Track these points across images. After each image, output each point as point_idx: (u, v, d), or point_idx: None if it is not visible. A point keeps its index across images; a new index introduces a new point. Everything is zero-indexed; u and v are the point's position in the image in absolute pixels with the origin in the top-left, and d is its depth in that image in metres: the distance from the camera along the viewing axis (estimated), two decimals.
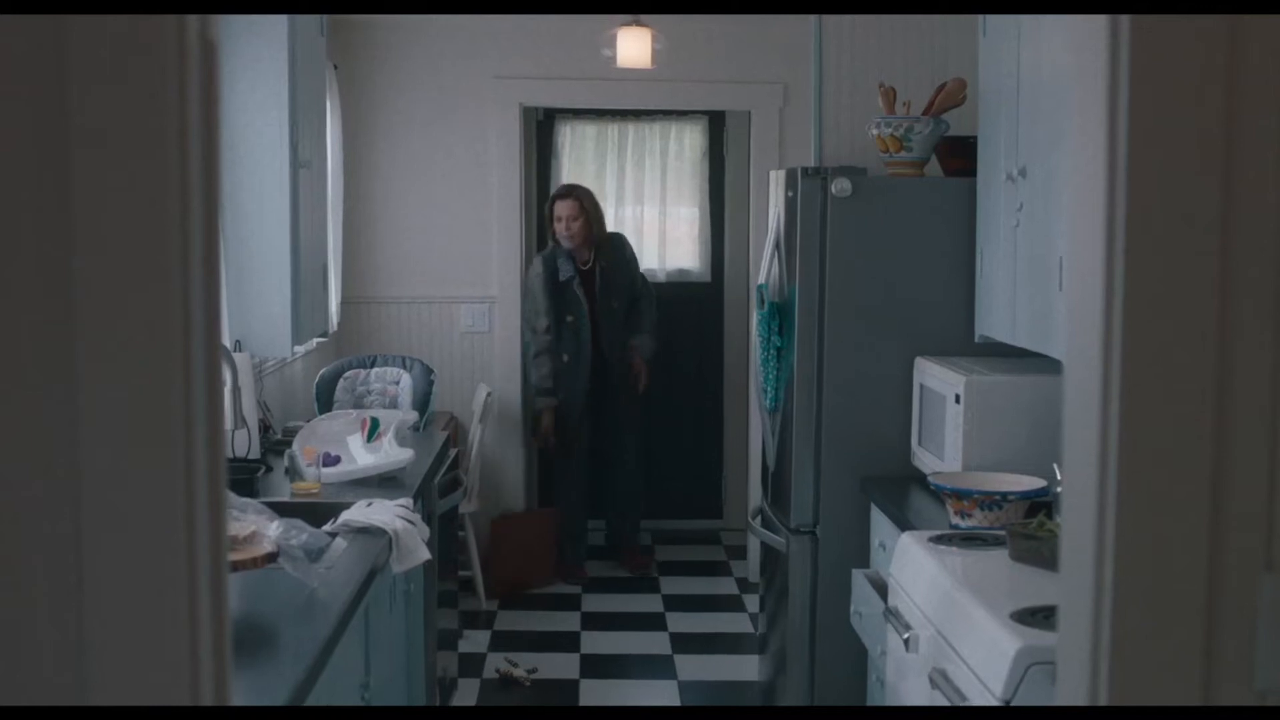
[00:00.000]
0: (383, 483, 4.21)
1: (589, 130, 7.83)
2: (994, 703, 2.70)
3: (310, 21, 4.81)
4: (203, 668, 1.33)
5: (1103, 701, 1.51)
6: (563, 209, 6.69)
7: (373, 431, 4.54)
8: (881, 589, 3.73)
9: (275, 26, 4.48)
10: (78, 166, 1.27)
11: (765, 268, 4.87)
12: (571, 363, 6.73)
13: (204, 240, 1.32)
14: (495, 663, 5.75)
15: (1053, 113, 3.62)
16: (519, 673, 5.59)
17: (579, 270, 6.73)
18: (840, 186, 4.43)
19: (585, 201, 6.76)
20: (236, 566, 2.85)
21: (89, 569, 1.30)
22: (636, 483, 7.22)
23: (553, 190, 7.05)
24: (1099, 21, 1.47)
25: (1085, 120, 1.52)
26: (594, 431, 6.98)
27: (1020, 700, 2.65)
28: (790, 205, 4.60)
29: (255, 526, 3.03)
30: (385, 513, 3.70)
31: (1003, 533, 3.39)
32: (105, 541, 1.30)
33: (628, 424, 7.09)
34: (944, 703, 2.92)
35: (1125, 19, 1.44)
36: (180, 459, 1.30)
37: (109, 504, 1.30)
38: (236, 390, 3.83)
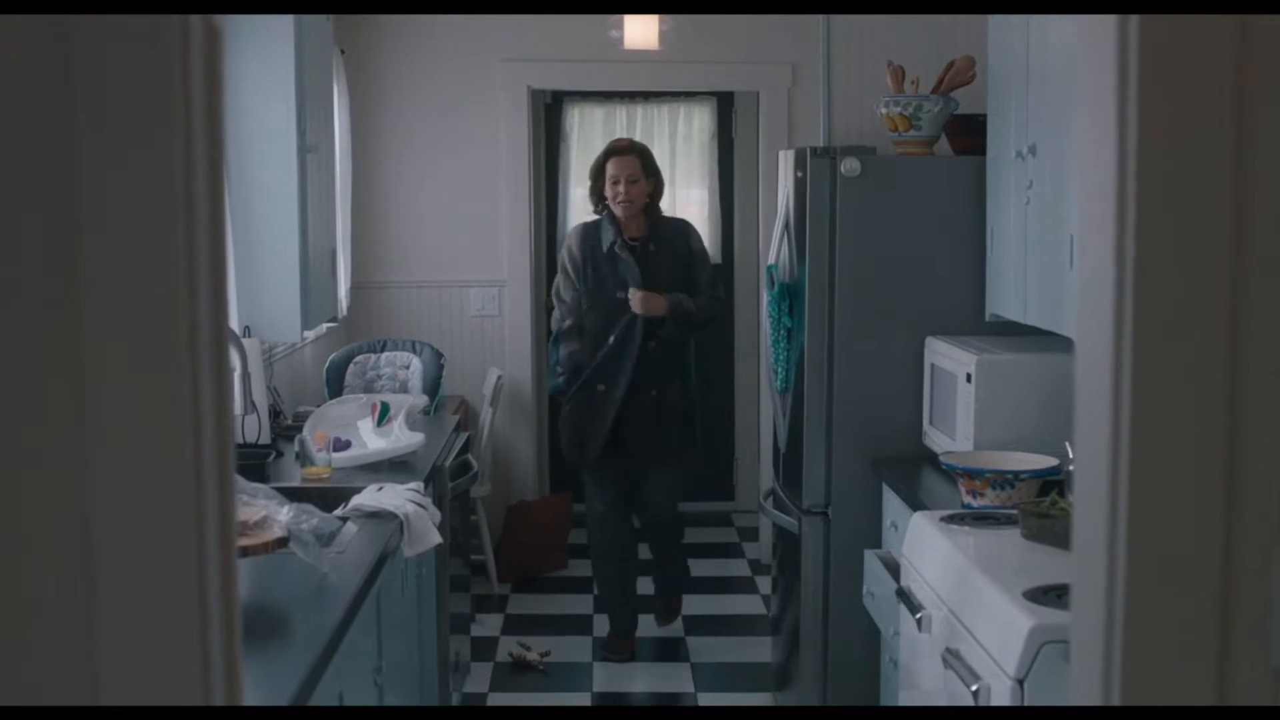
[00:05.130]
0: (393, 467, 4.21)
1: (597, 113, 7.81)
2: (1007, 682, 2.69)
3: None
4: (213, 653, 1.33)
5: (1116, 680, 1.50)
6: (620, 167, 5.45)
7: (383, 416, 4.54)
8: (894, 569, 3.72)
9: None
10: (82, 152, 1.26)
11: (775, 248, 4.86)
12: (617, 346, 5.44)
13: (210, 225, 1.31)
14: (508, 646, 5.76)
15: (1062, 90, 3.60)
16: (532, 656, 5.59)
17: (625, 242, 5.49)
18: (849, 166, 4.42)
19: (647, 162, 5.55)
20: (247, 551, 2.85)
21: (98, 556, 1.30)
22: (669, 513, 5.80)
23: (604, 152, 5.63)
24: (1108, 19, 1.47)
25: (1095, 99, 1.51)
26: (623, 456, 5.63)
27: (1033, 679, 2.64)
28: (799, 185, 4.58)
29: (266, 511, 3.03)
30: (396, 497, 3.70)
31: (1015, 512, 3.38)
32: (113, 528, 1.30)
33: (660, 454, 5.63)
34: (957, 682, 2.92)
35: (1134, 16, 1.44)
36: (188, 445, 1.30)
37: (116, 491, 1.29)
38: (246, 376, 3.83)
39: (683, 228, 5.71)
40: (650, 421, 5.49)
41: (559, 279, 5.66)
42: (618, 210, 5.46)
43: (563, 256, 5.65)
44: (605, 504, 5.65)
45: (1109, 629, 1.51)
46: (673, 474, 5.68)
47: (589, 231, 5.59)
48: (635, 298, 5.37)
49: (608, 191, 5.48)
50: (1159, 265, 1.46)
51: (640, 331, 5.41)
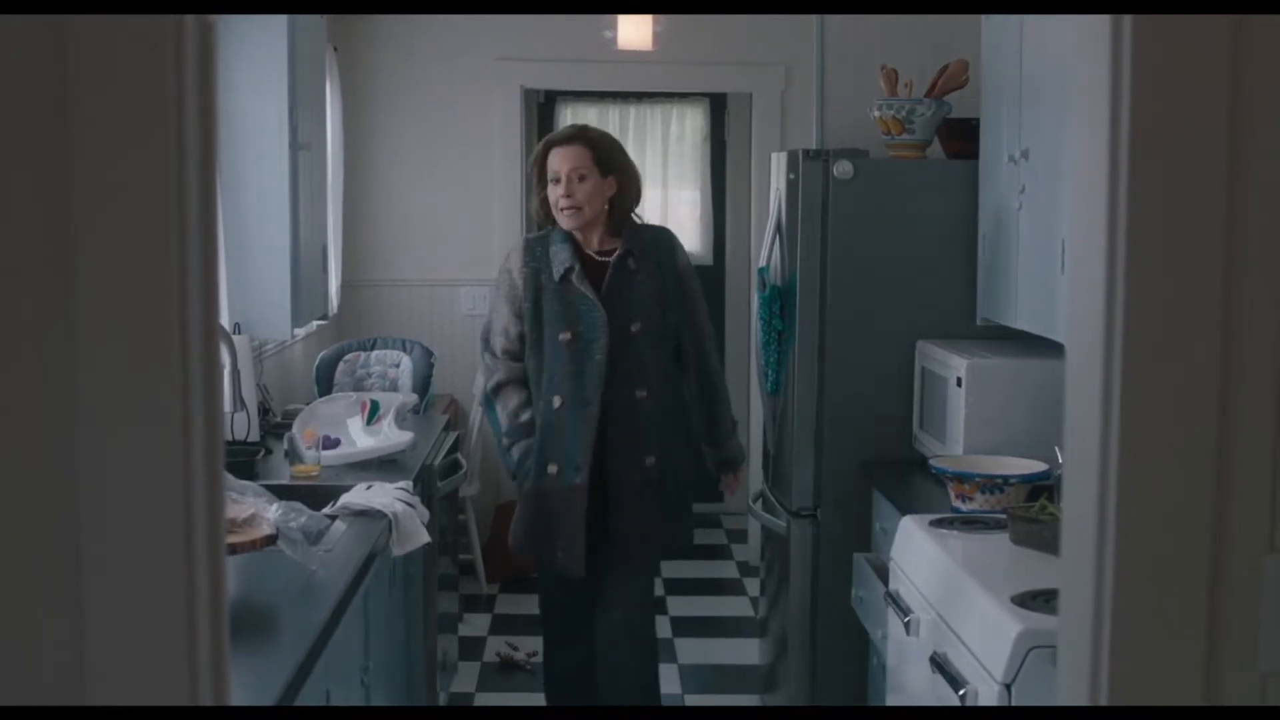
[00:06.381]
0: (382, 465, 4.21)
1: (590, 113, 7.81)
2: (995, 686, 2.69)
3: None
4: (201, 651, 1.33)
5: (1104, 685, 1.50)
6: (561, 160, 4.06)
7: (372, 414, 4.53)
8: (882, 572, 3.72)
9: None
10: (74, 148, 1.26)
11: (766, 251, 4.85)
12: (568, 410, 4.02)
13: (201, 222, 1.31)
14: (496, 646, 5.75)
15: (1056, 95, 3.60)
16: (519, 656, 5.59)
17: (585, 260, 4.10)
18: (842, 169, 4.42)
19: (603, 150, 4.11)
20: (236, 549, 2.85)
21: (87, 553, 1.29)
22: (643, 625, 4.31)
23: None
24: (1102, 19, 1.47)
25: (1088, 107, 1.51)
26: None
27: (1021, 684, 2.64)
28: (791, 188, 4.58)
29: (254, 509, 3.03)
30: (385, 495, 3.69)
31: (1004, 516, 3.38)
32: (102, 525, 1.29)
33: (646, 550, 4.21)
34: (944, 686, 2.92)
35: (1127, 16, 1.44)
36: (178, 442, 1.29)
37: (106, 487, 1.29)
38: (236, 373, 3.82)
39: (666, 239, 4.22)
40: (638, 504, 4.08)
41: (490, 317, 4.21)
42: (562, 220, 4.06)
43: (499, 285, 4.19)
44: (565, 608, 4.30)
45: (1097, 634, 1.51)
46: (648, 573, 4.31)
47: (533, 250, 4.13)
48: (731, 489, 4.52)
49: (549, 195, 4.08)
50: (1150, 270, 1.46)
51: (597, 395, 3.99)
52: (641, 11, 6.31)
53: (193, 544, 1.31)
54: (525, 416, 4.10)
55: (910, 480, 4.18)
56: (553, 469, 4.04)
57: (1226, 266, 1.46)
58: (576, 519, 4.02)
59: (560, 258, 4.05)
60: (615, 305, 4.03)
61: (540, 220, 4.18)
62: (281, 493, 3.38)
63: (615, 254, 4.08)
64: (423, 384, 5.55)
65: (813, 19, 5.25)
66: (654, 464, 4.08)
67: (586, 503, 4.01)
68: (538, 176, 4.13)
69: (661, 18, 6.39)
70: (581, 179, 4.04)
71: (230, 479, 3.19)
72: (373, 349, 5.66)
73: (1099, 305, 1.49)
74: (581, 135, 4.10)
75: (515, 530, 4.18)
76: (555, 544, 4.07)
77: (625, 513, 4.06)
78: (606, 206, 4.10)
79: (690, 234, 7.96)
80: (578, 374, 4.00)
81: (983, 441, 3.92)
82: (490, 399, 4.18)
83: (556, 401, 4.02)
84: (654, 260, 4.11)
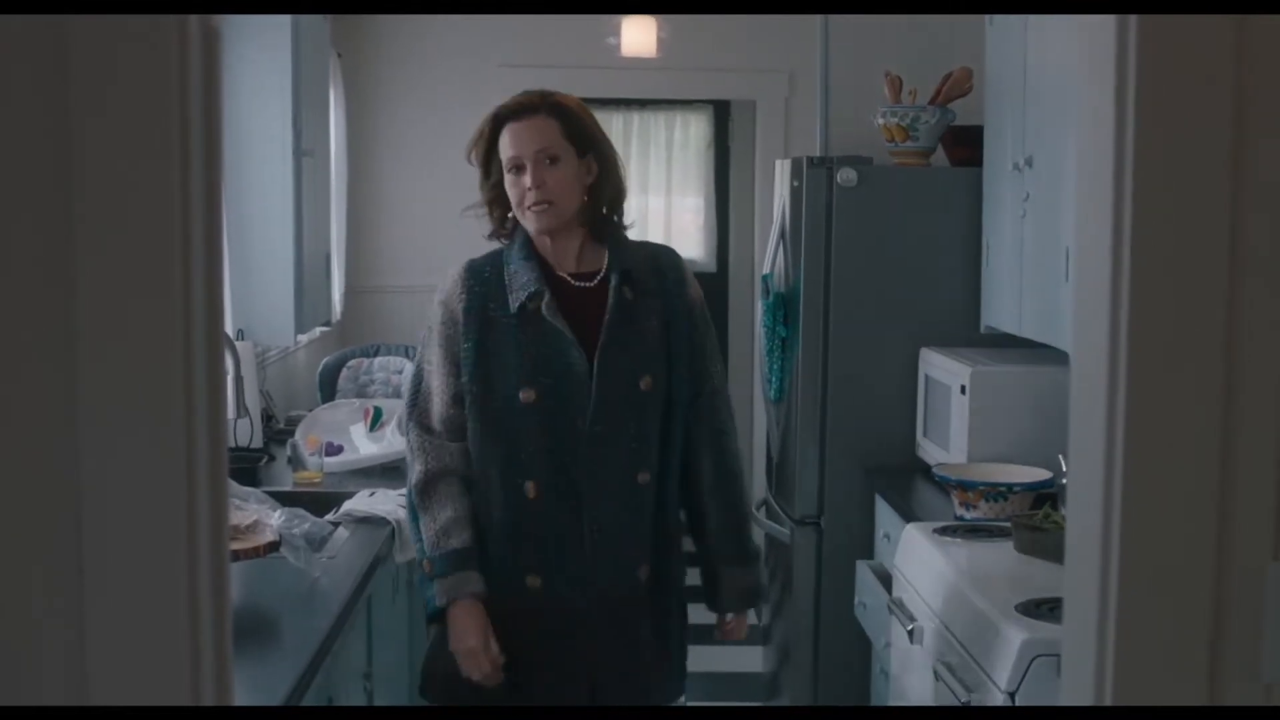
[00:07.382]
0: (385, 472, 4.20)
1: None
2: (998, 695, 2.69)
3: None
4: (204, 656, 1.33)
5: (1108, 693, 1.50)
6: (522, 139, 2.87)
7: (375, 421, 4.53)
8: (886, 580, 3.72)
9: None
10: (78, 154, 1.25)
11: (770, 258, 4.85)
12: (549, 502, 2.84)
13: (205, 228, 1.31)
14: None
15: (1060, 102, 3.60)
16: None
17: (562, 286, 2.91)
18: (845, 176, 4.42)
19: (575, 122, 2.92)
20: (239, 555, 2.85)
21: (89, 558, 1.29)
22: None
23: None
24: (1107, 19, 1.46)
25: (1092, 111, 1.51)
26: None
27: (1025, 692, 2.64)
28: (795, 195, 4.58)
29: (257, 515, 3.03)
30: (388, 502, 3.69)
31: (1008, 524, 3.38)
32: (105, 530, 1.29)
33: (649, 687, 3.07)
34: (948, 695, 2.91)
35: (1133, 16, 1.44)
36: (182, 448, 1.29)
37: (109, 493, 1.29)
38: (239, 379, 3.82)
39: (671, 262, 3.00)
40: (623, 630, 2.94)
41: (417, 376, 3.02)
42: (529, 221, 2.90)
43: (430, 326, 3.01)
44: None
45: (1101, 643, 1.50)
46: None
47: (479, 273, 2.97)
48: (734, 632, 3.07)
49: (509, 190, 2.92)
50: (1155, 278, 1.45)
51: (587, 480, 2.83)
52: (642, 11, 6.30)
53: (195, 549, 1.31)
54: (461, 541, 2.85)
55: (913, 488, 4.18)
56: (534, 581, 2.86)
57: (1231, 272, 1.46)
58: (584, 645, 2.89)
59: (521, 280, 2.86)
60: (615, 352, 2.85)
61: (494, 225, 3.03)
62: (284, 499, 3.38)
63: (607, 278, 2.89)
64: None
65: (816, 26, 5.25)
66: (648, 576, 2.94)
67: (599, 626, 2.89)
68: (483, 165, 2.97)
69: (665, 24, 6.38)
70: (553, 161, 2.84)
71: (233, 485, 3.18)
72: (376, 355, 5.65)
73: (1103, 312, 1.48)
74: (545, 102, 2.89)
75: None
76: (540, 679, 2.92)
77: (605, 641, 2.91)
78: (585, 198, 2.91)
79: (694, 241, 7.95)
80: (553, 450, 2.82)
81: (986, 449, 3.91)
82: (417, 500, 2.90)
83: (530, 489, 2.83)
84: (657, 289, 2.92)
